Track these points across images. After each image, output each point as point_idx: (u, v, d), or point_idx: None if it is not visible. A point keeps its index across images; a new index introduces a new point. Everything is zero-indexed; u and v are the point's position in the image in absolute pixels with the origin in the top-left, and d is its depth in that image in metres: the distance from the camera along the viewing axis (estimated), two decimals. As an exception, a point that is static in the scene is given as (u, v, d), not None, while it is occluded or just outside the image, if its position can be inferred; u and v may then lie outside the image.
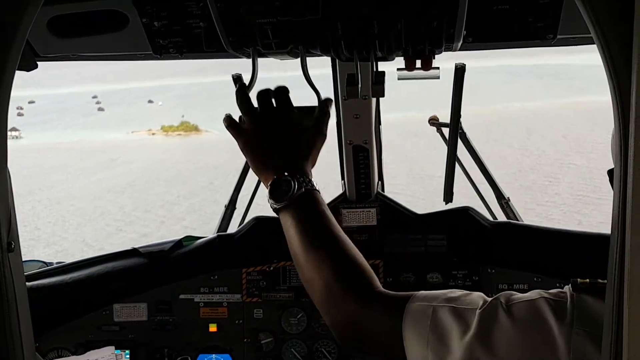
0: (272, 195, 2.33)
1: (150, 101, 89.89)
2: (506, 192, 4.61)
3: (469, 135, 4.42)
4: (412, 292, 2.07)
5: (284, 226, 2.32)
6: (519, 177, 37.72)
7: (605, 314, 1.50)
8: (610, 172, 2.12)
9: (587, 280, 1.86)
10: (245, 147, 2.44)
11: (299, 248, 2.24)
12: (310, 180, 2.33)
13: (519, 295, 1.95)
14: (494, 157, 40.98)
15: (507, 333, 1.84)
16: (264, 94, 2.46)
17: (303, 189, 2.29)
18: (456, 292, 2.04)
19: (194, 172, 43.44)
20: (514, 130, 50.99)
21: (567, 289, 1.90)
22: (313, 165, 2.45)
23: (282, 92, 2.46)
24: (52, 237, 38.18)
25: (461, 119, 4.21)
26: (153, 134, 69.02)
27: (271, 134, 2.39)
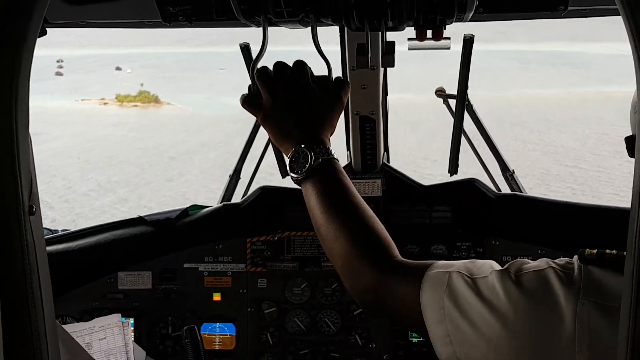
0: (291, 167, 2.33)
1: (118, 68, 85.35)
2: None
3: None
4: (433, 261, 2.08)
5: (305, 197, 2.32)
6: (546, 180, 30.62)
7: (625, 283, 1.51)
8: (628, 139, 2.11)
9: (595, 251, 1.86)
10: (264, 121, 2.44)
11: (319, 218, 2.24)
12: (327, 149, 2.32)
13: (529, 264, 1.95)
14: (515, 154, 35.88)
15: (515, 303, 1.85)
16: (280, 66, 2.45)
17: (320, 159, 2.28)
18: (473, 261, 2.06)
19: (129, 155, 36.94)
20: (530, 121, 45.37)
21: (575, 259, 1.90)
22: (332, 132, 2.44)
23: (299, 65, 2.46)
24: None
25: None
26: (105, 103, 62.31)
27: (287, 106, 2.38)
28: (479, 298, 1.91)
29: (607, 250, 1.85)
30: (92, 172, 32.69)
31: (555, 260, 1.93)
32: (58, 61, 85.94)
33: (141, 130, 44.99)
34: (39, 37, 2.80)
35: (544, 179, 29.31)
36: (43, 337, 1.57)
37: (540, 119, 44.28)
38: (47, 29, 2.82)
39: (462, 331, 1.91)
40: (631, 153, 2.10)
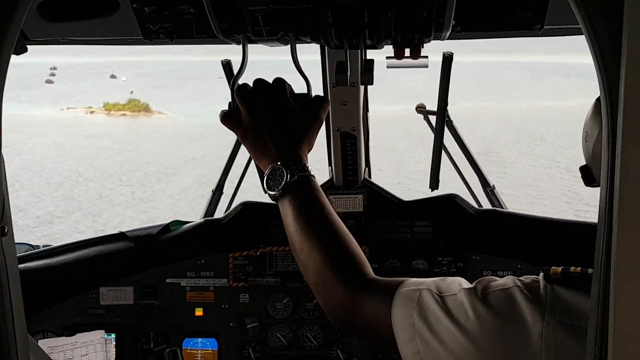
0: (267, 185, 2.34)
1: (112, 76, 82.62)
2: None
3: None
4: (404, 278, 2.09)
5: (282, 214, 2.32)
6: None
7: (592, 303, 1.53)
8: (583, 169, 2.18)
9: (559, 269, 1.88)
10: (243, 138, 2.44)
11: (294, 235, 2.25)
12: (303, 166, 2.32)
13: (495, 282, 1.97)
14: (534, 172, 31.23)
15: (483, 321, 1.87)
16: (260, 83, 2.47)
17: (296, 177, 2.28)
18: (444, 278, 2.07)
19: (102, 171, 32.45)
20: (548, 135, 39.53)
21: (540, 277, 1.92)
22: (310, 149, 2.44)
23: (278, 82, 2.47)
24: None
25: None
26: (92, 112, 58.87)
27: (265, 123, 2.39)
28: (447, 316, 1.92)
29: (572, 268, 1.88)
30: (55, 190, 29.46)
31: (521, 278, 1.95)
32: (52, 68, 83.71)
33: (124, 142, 41.94)
34: (19, 54, 2.82)
35: (570, 202, 27.00)
36: (14, 357, 1.57)
37: (559, 133, 41.47)
38: (28, 45, 2.83)
39: (432, 349, 1.92)
40: (587, 182, 2.16)
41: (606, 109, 1.42)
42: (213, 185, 4.81)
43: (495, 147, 34.41)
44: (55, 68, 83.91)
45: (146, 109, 58.96)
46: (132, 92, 62.96)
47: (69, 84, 75.85)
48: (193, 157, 35.54)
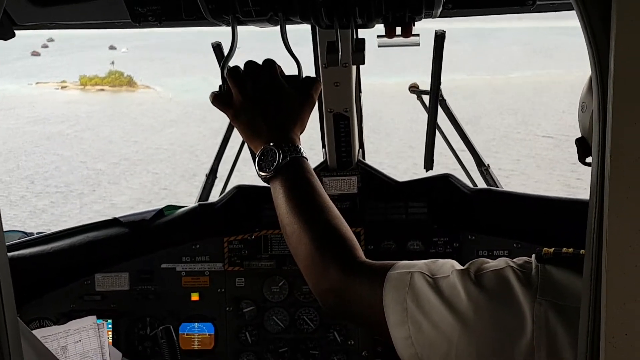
0: (259, 166, 2.32)
1: (112, 47, 77.43)
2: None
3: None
4: (394, 261, 2.08)
5: (273, 196, 2.31)
6: None
7: (584, 279, 1.52)
8: (578, 141, 2.16)
9: (552, 250, 1.88)
10: (234, 119, 2.43)
11: (285, 217, 2.24)
12: (296, 148, 2.31)
13: (488, 264, 1.97)
14: None
15: (476, 302, 1.87)
16: (251, 65, 2.45)
17: (288, 158, 2.27)
18: (435, 260, 2.06)
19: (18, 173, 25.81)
20: None
21: (533, 258, 1.92)
22: (302, 130, 2.43)
23: (268, 63, 2.46)
24: None
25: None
26: (64, 87, 52.29)
27: (257, 104, 2.37)
28: (440, 298, 1.91)
29: (564, 249, 1.88)
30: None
31: (514, 260, 1.95)
32: (49, 40, 79.85)
33: (85, 125, 34.93)
34: (7, 39, 2.80)
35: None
36: (5, 346, 1.55)
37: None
38: (16, 30, 2.82)
39: (424, 332, 1.91)
40: (582, 154, 2.14)
41: (596, 81, 1.40)
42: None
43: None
44: (52, 40, 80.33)
45: (129, 82, 54.04)
46: (112, 63, 58.60)
47: (58, 56, 70.88)
48: (165, 145, 30.78)
